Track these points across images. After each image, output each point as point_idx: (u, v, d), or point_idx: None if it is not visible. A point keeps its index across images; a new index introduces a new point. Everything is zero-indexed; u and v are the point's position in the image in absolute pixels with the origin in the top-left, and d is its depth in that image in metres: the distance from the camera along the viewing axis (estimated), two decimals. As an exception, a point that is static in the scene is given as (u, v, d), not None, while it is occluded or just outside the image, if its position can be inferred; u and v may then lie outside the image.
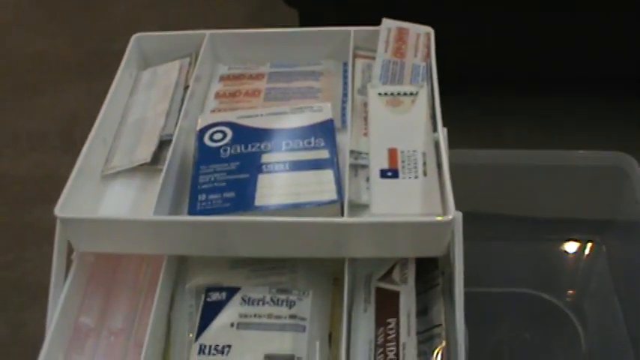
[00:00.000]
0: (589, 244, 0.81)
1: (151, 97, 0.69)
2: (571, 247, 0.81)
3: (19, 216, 1.22)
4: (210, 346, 0.56)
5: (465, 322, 0.72)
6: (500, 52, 1.08)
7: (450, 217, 0.54)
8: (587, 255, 0.81)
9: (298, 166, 0.59)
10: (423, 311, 0.56)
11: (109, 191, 0.64)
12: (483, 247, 0.77)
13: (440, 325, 0.55)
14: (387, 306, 0.57)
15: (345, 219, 0.55)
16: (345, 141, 0.62)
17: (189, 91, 0.67)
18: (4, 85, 1.46)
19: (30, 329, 1.01)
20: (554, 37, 1.04)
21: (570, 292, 0.78)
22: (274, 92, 0.69)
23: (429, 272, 0.58)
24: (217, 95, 0.70)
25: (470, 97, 1.12)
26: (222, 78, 0.72)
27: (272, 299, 0.58)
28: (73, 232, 0.58)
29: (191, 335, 0.57)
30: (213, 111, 0.68)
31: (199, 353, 0.56)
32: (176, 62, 0.72)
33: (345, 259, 0.58)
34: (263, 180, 0.58)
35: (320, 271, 0.60)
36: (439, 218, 0.55)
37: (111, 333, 0.60)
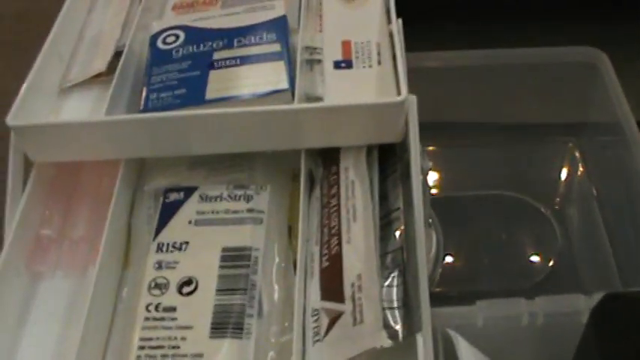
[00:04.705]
0: (563, 146, 0.80)
1: (108, 12, 0.69)
2: (544, 150, 0.80)
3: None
4: (168, 244, 0.55)
5: (440, 222, 0.72)
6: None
7: (402, 97, 0.53)
8: (562, 157, 0.80)
9: (249, 59, 0.58)
10: (381, 199, 0.55)
11: (66, 105, 0.63)
12: (454, 154, 0.77)
13: (398, 208, 0.54)
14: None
15: (295, 105, 0.55)
16: (300, 40, 0.61)
17: (141, 5, 0.66)
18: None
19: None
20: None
21: (546, 192, 0.77)
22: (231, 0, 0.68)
23: (387, 161, 0.57)
24: (174, 7, 0.69)
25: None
26: (179, -10, 0.71)
27: (229, 195, 0.57)
28: (27, 141, 0.58)
29: (150, 236, 0.57)
30: (169, 21, 0.67)
31: (157, 251, 0.55)
32: (133, -24, 0.71)
33: (302, 151, 0.57)
34: (214, 75, 0.57)
35: (279, 167, 0.59)
36: (390, 99, 0.53)
37: (72, 242, 0.60)
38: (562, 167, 0.79)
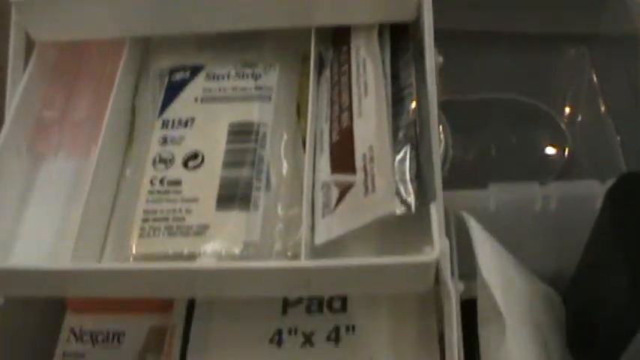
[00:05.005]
0: (575, 55, 0.78)
1: None
2: (556, 58, 0.78)
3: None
4: (174, 120, 0.54)
5: (449, 125, 0.71)
6: None
7: (417, -31, 0.52)
8: (574, 65, 0.78)
9: None
10: (393, 79, 0.54)
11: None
12: (464, 60, 0.75)
13: (410, 84, 0.52)
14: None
15: (305, -24, 0.53)
16: None
17: None
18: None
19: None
20: None
21: (557, 98, 0.76)
22: None
23: (400, 43, 0.56)
24: None
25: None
26: None
27: (237, 73, 0.56)
28: (28, 18, 0.56)
29: (154, 116, 0.55)
30: None
31: (162, 127, 0.54)
32: None
33: (312, 31, 0.56)
34: (222, -51, 0.55)
35: (288, 48, 0.58)
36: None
37: (75, 124, 0.58)
38: (574, 75, 0.77)
